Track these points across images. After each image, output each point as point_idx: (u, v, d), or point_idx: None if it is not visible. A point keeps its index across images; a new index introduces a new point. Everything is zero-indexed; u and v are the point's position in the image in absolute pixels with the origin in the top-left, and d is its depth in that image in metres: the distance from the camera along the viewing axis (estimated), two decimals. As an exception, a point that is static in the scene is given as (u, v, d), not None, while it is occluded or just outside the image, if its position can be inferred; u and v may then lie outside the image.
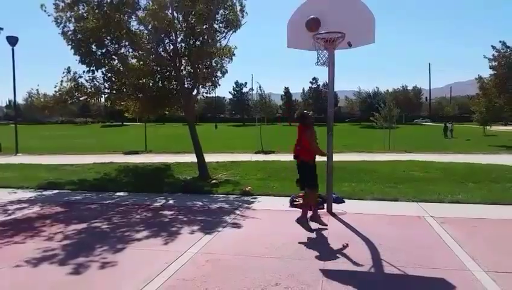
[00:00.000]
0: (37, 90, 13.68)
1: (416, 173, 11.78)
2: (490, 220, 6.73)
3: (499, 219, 6.81)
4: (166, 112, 14.81)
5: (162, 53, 12.01)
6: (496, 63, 26.26)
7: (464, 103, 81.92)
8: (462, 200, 8.08)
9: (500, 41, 26.27)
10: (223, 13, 11.65)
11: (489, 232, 6.05)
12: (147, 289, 4.10)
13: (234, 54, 12.98)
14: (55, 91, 11.81)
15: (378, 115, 25.00)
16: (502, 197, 8.21)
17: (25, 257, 5.00)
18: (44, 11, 10.80)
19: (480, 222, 6.59)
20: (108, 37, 11.25)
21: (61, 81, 11.64)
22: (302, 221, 6.24)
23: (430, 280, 4.31)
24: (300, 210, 6.48)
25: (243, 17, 11.67)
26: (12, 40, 23.02)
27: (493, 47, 26.28)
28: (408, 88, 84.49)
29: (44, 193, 9.81)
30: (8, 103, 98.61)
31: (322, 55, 7.13)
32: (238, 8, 11.55)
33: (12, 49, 23.32)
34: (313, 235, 5.98)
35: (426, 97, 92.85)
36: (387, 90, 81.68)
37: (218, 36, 11.96)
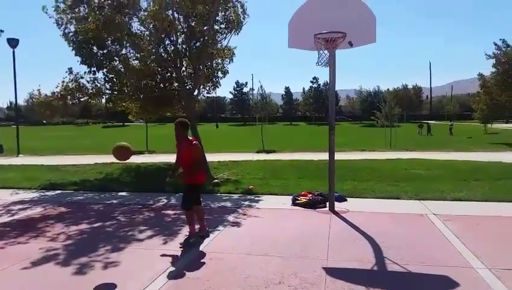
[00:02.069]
0: (38, 90, 13.69)
1: (418, 171, 11.78)
2: (493, 218, 6.73)
3: (502, 216, 6.81)
4: (168, 114, 14.77)
5: (163, 54, 12.02)
6: (497, 61, 26.41)
7: (465, 101, 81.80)
8: (465, 198, 8.09)
9: (500, 39, 26.45)
10: (224, 14, 11.65)
11: (492, 230, 6.05)
12: (150, 288, 4.11)
13: (234, 54, 13.00)
14: (56, 91, 11.84)
15: (379, 114, 25.20)
16: (504, 195, 8.21)
17: (28, 257, 5.01)
18: (46, 12, 10.83)
19: (483, 220, 6.60)
20: (109, 38, 11.27)
21: (63, 81, 11.69)
22: None
23: (433, 277, 4.31)
24: (303, 208, 6.49)
25: (244, 18, 11.66)
26: (13, 42, 23.06)
27: (495, 44, 26.47)
28: (409, 87, 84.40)
29: (47, 193, 9.83)
30: (9, 105, 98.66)
31: (322, 55, 7.13)
32: (240, 10, 11.54)
33: (13, 51, 23.37)
34: (316, 233, 5.99)
35: (427, 95, 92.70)
36: (388, 89, 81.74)
37: (219, 37, 11.96)
